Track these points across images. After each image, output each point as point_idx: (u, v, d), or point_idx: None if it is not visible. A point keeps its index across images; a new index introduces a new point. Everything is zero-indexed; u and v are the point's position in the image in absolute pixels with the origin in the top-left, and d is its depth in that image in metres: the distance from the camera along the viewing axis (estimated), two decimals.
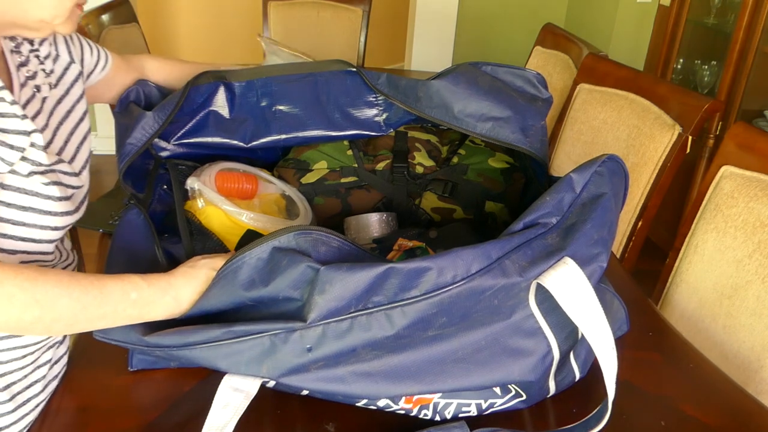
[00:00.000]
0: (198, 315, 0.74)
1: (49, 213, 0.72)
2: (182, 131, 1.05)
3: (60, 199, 0.73)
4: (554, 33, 2.17)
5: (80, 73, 0.90)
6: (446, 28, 3.40)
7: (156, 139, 1.04)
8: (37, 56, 0.82)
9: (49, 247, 0.75)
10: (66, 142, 0.81)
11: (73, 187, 0.78)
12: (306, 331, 0.68)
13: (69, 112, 0.84)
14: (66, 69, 0.87)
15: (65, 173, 0.76)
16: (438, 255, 0.68)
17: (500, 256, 0.69)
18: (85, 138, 0.85)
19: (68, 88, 0.85)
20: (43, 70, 0.82)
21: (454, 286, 0.68)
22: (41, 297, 0.62)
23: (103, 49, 1.02)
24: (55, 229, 0.74)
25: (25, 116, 0.70)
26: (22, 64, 0.78)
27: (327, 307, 0.67)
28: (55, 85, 0.84)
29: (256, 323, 0.69)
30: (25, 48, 0.80)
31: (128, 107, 0.99)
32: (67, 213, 0.74)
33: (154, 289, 0.70)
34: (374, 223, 1.03)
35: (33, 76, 0.79)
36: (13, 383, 0.74)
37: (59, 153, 0.79)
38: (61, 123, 0.82)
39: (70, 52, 0.89)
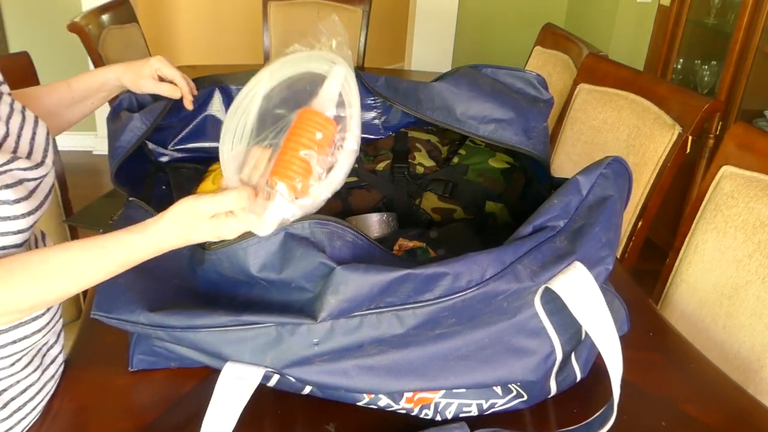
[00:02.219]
0: (212, 283, 0.74)
1: (8, 218, 0.69)
2: (179, 137, 1.05)
3: (18, 200, 0.70)
4: (554, 33, 2.16)
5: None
6: (446, 28, 3.40)
7: (153, 146, 1.04)
8: None
9: (17, 251, 0.72)
10: (19, 135, 0.77)
11: (36, 179, 0.74)
12: (314, 325, 0.69)
13: (11, 105, 0.79)
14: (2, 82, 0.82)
15: (24, 169, 0.73)
16: (454, 260, 0.68)
17: (513, 260, 0.70)
18: (36, 124, 0.81)
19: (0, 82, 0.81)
20: None
21: (469, 291, 0.68)
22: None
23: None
24: (19, 232, 0.71)
25: None
26: None
27: (339, 307, 0.67)
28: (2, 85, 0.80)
29: (264, 314, 0.69)
30: None
31: (119, 114, 0.99)
32: (30, 213, 0.71)
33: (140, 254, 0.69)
34: (375, 223, 1.03)
35: None
36: (5, 389, 0.74)
37: (14, 150, 0.75)
38: (9, 117, 0.78)
39: None
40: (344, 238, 0.72)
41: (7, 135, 0.75)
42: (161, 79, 0.99)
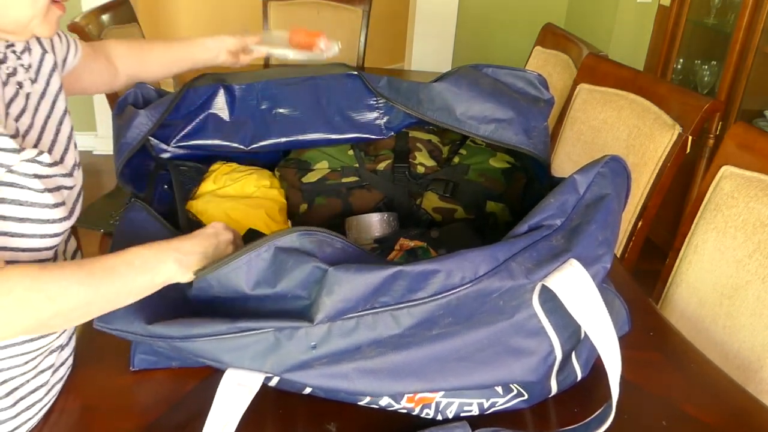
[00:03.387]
0: (206, 301, 0.74)
1: (47, 221, 0.70)
2: (182, 134, 1.05)
3: (56, 205, 0.71)
4: (554, 33, 2.17)
5: (55, 64, 0.86)
6: (446, 28, 3.40)
7: (156, 142, 1.04)
8: (14, 51, 0.79)
9: (49, 254, 0.74)
10: (54, 141, 0.79)
11: (67, 188, 0.76)
12: (311, 329, 0.68)
13: (52, 106, 0.81)
14: (41, 61, 0.84)
15: (63, 175, 0.74)
16: (446, 257, 0.68)
17: (507, 258, 0.70)
18: (71, 133, 0.83)
19: (47, 80, 0.83)
20: (22, 65, 0.80)
21: (462, 288, 0.68)
22: (52, 292, 0.62)
23: (71, 35, 0.98)
24: (54, 236, 0.72)
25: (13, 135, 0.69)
26: (1, 62, 0.75)
27: (335, 308, 0.67)
28: (35, 80, 0.81)
29: (261, 320, 0.69)
30: (1, 45, 0.77)
31: (125, 109, 0.99)
32: (64, 218, 0.73)
33: (154, 251, 0.70)
34: (376, 223, 1.03)
35: (13, 73, 0.77)
36: (16, 389, 0.74)
37: (50, 153, 0.76)
38: (47, 120, 0.79)
39: (41, 43, 0.86)
40: (333, 245, 0.71)
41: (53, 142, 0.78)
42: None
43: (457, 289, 0.68)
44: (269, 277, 0.70)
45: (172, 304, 0.75)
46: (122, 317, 0.72)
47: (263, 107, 1.06)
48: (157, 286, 0.70)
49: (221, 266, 0.70)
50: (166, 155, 1.06)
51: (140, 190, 0.99)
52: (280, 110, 1.06)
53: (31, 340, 0.73)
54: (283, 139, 1.06)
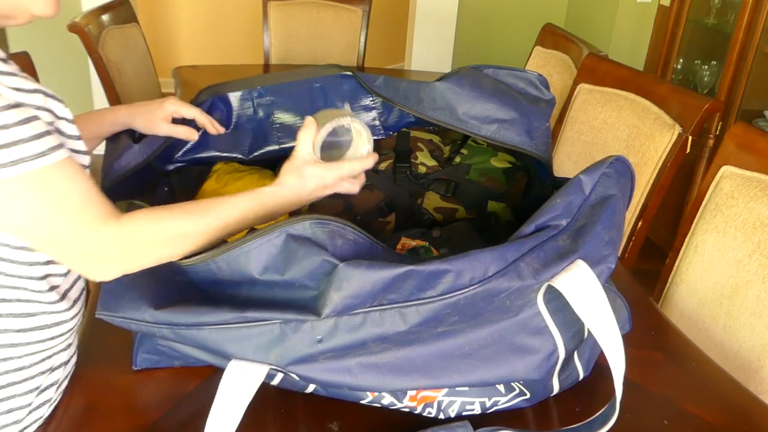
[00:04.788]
0: (213, 284, 0.75)
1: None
2: (183, 150, 1.06)
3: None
4: (554, 33, 2.17)
5: None
6: (446, 28, 3.40)
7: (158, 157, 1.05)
8: None
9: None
10: None
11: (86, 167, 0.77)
12: (318, 322, 0.69)
13: None
14: None
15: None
16: (456, 257, 0.68)
17: (515, 258, 0.70)
18: None
19: None
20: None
21: (471, 288, 0.68)
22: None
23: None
24: None
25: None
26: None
27: (342, 304, 0.67)
28: None
29: (268, 311, 0.70)
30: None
31: (119, 135, 1.00)
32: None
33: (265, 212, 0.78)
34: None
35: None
36: (30, 391, 0.74)
37: None
38: None
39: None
40: (345, 236, 0.72)
41: None
42: (175, 121, 1.01)
43: (467, 289, 0.68)
44: (279, 264, 0.71)
45: (179, 288, 0.75)
46: (129, 303, 0.73)
47: (260, 116, 1.07)
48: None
49: (232, 248, 0.71)
50: (169, 167, 1.07)
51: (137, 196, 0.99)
52: (278, 117, 1.07)
53: (39, 341, 0.73)
54: (282, 146, 1.07)
